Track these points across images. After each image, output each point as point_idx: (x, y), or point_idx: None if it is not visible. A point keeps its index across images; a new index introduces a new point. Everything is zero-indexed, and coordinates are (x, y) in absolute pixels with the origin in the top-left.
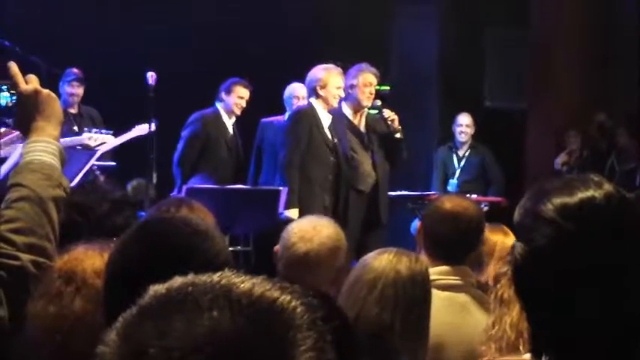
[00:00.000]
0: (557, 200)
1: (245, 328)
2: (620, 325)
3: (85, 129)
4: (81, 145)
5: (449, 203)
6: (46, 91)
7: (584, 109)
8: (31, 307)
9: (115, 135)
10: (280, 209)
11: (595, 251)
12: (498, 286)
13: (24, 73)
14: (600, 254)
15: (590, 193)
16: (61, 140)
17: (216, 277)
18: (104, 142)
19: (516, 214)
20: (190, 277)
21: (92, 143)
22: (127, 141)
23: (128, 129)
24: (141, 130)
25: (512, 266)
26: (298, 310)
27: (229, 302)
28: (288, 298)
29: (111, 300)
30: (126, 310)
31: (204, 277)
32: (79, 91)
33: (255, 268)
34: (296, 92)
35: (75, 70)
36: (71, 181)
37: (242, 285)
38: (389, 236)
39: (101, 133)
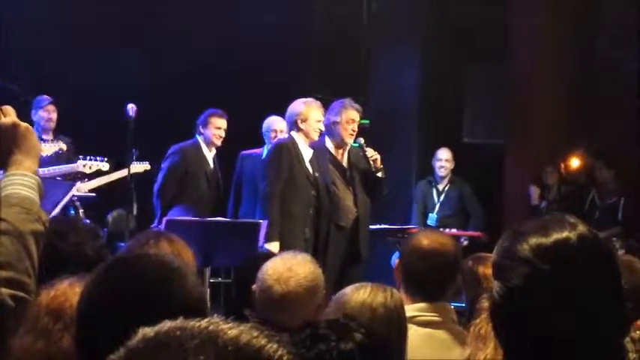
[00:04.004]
0: (533, 240)
1: None
2: None
3: (80, 157)
4: (75, 172)
5: (425, 240)
6: (24, 124)
7: (561, 145)
8: (18, 343)
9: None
10: (261, 242)
11: (569, 291)
12: (477, 320)
13: (1, 102)
14: (574, 294)
15: (564, 234)
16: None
17: (204, 322)
18: (99, 169)
19: (494, 254)
20: (179, 321)
21: (87, 170)
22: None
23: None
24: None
25: (490, 305)
26: (285, 358)
27: (216, 348)
28: (275, 346)
29: (83, 337)
30: (99, 346)
31: (192, 322)
32: (54, 115)
33: (236, 301)
34: (273, 125)
35: (45, 95)
36: (50, 212)
37: (229, 332)
38: (368, 269)
39: (96, 160)
